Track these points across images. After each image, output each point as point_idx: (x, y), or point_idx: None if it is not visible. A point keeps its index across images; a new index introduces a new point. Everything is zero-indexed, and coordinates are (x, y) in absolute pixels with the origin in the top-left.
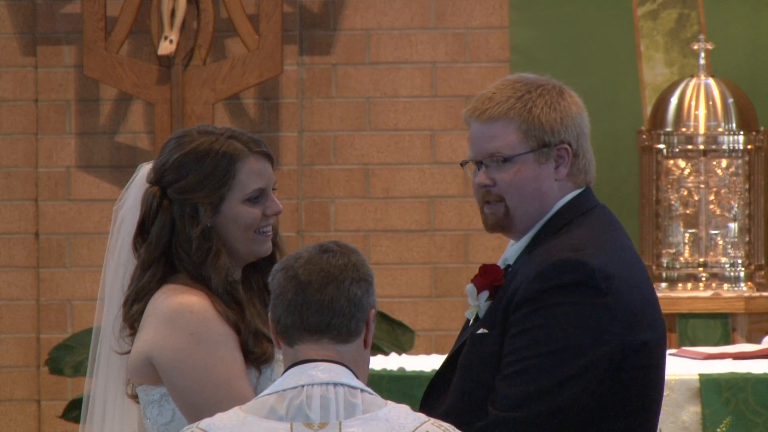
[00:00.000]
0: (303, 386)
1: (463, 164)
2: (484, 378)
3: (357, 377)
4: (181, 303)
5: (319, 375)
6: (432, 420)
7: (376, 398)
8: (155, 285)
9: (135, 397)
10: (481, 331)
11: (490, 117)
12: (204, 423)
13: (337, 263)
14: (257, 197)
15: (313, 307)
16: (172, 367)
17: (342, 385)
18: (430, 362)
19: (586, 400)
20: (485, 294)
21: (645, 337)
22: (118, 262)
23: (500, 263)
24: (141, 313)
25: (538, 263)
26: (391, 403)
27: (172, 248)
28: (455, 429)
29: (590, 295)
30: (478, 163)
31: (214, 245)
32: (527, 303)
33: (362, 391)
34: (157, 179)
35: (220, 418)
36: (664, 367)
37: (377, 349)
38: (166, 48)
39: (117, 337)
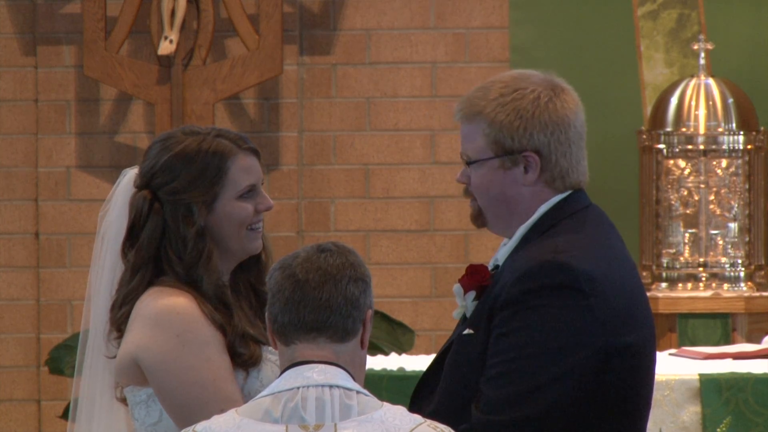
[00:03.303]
0: (298, 388)
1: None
2: (468, 378)
3: (353, 378)
4: (167, 305)
5: (315, 377)
6: (428, 422)
7: (372, 400)
8: (143, 288)
9: (124, 400)
10: (466, 331)
11: (464, 118)
12: (200, 426)
13: (335, 262)
14: (249, 193)
15: (310, 305)
16: (159, 369)
17: (338, 387)
18: (429, 362)
19: (569, 402)
20: (472, 294)
21: (630, 340)
22: (103, 266)
23: (491, 263)
24: (128, 315)
25: (521, 265)
26: (387, 405)
27: (161, 251)
28: (451, 430)
29: (573, 297)
30: None
31: (208, 246)
32: (510, 305)
33: (358, 392)
34: (146, 183)
35: (216, 421)
36: (652, 369)
37: (377, 349)
38: (166, 48)
39: (106, 340)
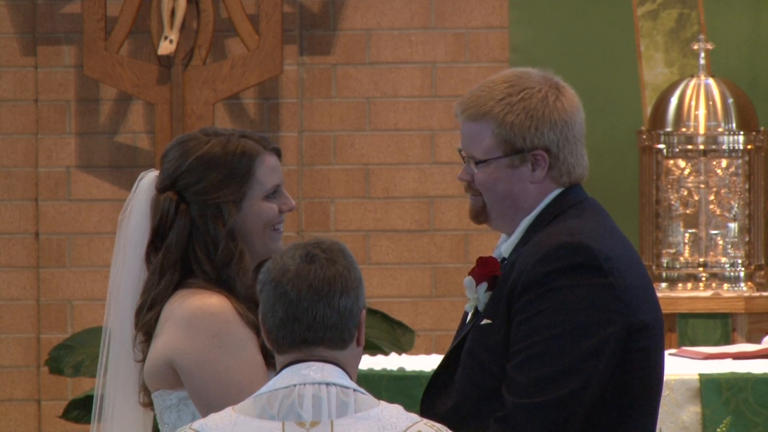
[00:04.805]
0: (295, 386)
1: (459, 150)
2: (490, 368)
3: (350, 377)
4: (201, 305)
5: (312, 375)
6: (425, 420)
7: (369, 398)
8: (171, 291)
9: (148, 405)
10: (484, 322)
11: (469, 118)
12: (197, 423)
13: (325, 276)
14: (274, 194)
15: (304, 323)
16: (194, 370)
17: (334, 384)
18: (430, 362)
19: (599, 380)
20: (484, 285)
21: (646, 319)
22: (125, 269)
23: (494, 256)
24: (156, 319)
25: (537, 249)
26: (383, 403)
27: (189, 253)
28: (447, 430)
29: (594, 275)
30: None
31: (239, 245)
32: (531, 288)
33: (355, 390)
34: (170, 184)
35: (212, 419)
36: (663, 353)
37: (377, 349)
38: (166, 48)
39: (133, 345)
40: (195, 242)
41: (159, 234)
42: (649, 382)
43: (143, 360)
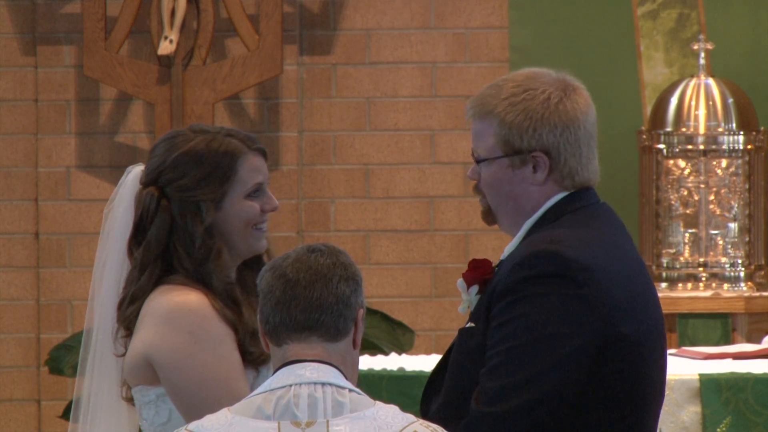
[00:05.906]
0: (290, 386)
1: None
2: (470, 371)
3: (346, 377)
4: (179, 302)
5: (307, 374)
6: (420, 420)
7: (364, 398)
8: (151, 286)
9: (130, 400)
10: (468, 325)
11: (475, 116)
12: (192, 425)
13: (326, 262)
14: (257, 192)
15: (301, 304)
16: (170, 367)
17: (330, 384)
18: (430, 362)
19: (565, 392)
20: (475, 288)
21: (626, 331)
22: (108, 263)
23: (498, 258)
24: (136, 314)
25: (518, 255)
26: (379, 403)
27: (170, 248)
28: (443, 430)
29: (566, 286)
30: None
31: (217, 243)
32: (505, 295)
33: (350, 390)
34: (153, 179)
35: (208, 419)
36: (655, 364)
37: (377, 349)
38: (166, 48)
39: (114, 339)
40: (175, 238)
41: (140, 228)
42: (634, 394)
43: (124, 354)
